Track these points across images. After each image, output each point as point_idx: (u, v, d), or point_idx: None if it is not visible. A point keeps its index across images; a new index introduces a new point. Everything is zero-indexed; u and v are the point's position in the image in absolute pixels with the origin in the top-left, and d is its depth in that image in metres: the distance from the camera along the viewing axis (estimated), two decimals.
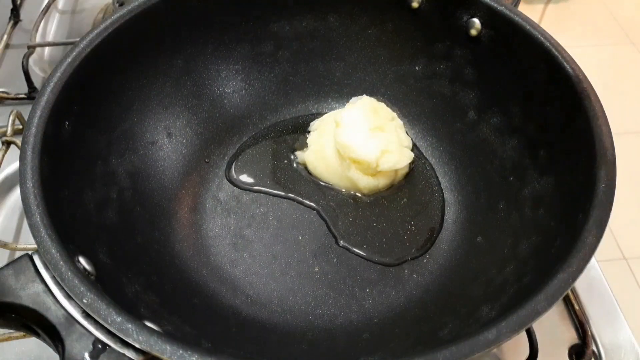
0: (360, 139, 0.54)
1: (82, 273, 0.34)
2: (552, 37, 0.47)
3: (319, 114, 0.61)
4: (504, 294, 0.40)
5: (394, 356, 0.42)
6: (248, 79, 0.60)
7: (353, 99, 0.58)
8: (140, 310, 0.38)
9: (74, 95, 0.44)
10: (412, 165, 0.58)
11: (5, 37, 0.73)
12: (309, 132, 0.61)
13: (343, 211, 0.55)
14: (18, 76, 0.64)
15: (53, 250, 0.34)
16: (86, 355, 0.32)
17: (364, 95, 0.58)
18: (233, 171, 0.58)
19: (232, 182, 0.57)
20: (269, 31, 0.59)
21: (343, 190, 0.57)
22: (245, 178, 0.57)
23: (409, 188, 0.57)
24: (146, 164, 0.52)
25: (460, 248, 0.51)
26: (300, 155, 0.59)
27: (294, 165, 0.59)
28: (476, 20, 0.52)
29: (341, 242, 0.53)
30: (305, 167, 0.58)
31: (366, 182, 0.55)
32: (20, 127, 0.57)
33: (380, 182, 0.56)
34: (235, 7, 0.56)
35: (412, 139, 0.58)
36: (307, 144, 0.59)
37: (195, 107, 0.57)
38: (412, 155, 0.56)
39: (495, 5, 0.50)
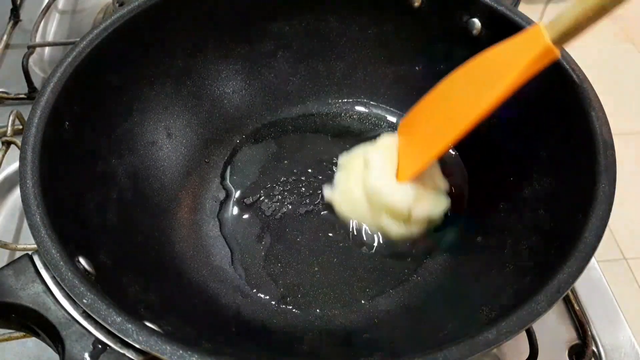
0: (392, 184, 0.49)
1: (82, 273, 0.34)
2: None
3: (319, 114, 0.61)
4: (504, 294, 0.40)
5: (394, 356, 0.42)
6: (248, 79, 0.60)
7: (383, 135, 0.54)
8: (141, 310, 0.38)
9: (74, 95, 0.44)
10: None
11: (5, 37, 0.73)
12: (336, 165, 0.57)
13: None
14: (18, 76, 0.64)
15: (53, 251, 0.34)
16: (86, 355, 0.32)
17: (396, 132, 0.54)
18: (228, 175, 0.57)
19: (227, 189, 0.56)
20: (269, 31, 0.59)
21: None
22: (241, 182, 0.57)
23: None
24: (146, 164, 0.52)
25: (460, 248, 0.51)
26: (327, 193, 0.54)
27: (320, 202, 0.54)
28: (476, 21, 0.52)
29: (341, 243, 0.53)
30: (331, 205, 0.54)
31: (398, 231, 0.50)
32: (20, 127, 0.57)
33: (413, 230, 0.51)
34: (235, 7, 0.56)
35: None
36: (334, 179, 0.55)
37: (195, 107, 0.57)
38: (448, 201, 0.52)
39: (495, 5, 0.50)
